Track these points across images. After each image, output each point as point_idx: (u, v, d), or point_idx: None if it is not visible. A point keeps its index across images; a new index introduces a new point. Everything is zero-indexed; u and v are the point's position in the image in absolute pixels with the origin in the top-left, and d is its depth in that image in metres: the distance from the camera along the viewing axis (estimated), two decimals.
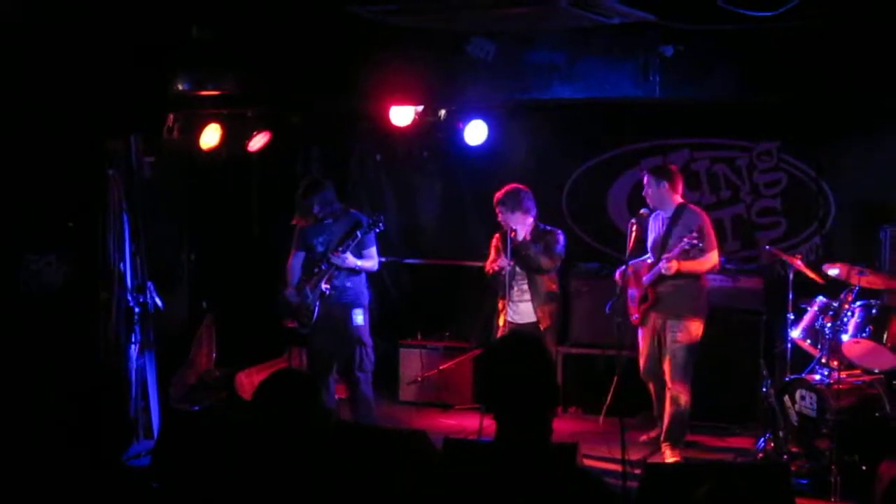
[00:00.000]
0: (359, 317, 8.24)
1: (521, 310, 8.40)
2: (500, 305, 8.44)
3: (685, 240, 7.65)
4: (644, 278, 8.02)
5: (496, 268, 8.33)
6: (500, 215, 8.31)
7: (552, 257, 8.33)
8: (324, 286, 8.15)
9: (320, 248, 8.23)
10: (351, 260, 8.12)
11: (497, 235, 8.51)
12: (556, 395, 3.44)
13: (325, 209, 8.22)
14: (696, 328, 7.92)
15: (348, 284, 8.22)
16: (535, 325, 8.36)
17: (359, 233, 8.09)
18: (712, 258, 7.90)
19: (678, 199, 8.03)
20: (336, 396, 8.58)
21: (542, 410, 3.35)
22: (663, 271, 7.80)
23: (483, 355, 3.58)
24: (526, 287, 8.38)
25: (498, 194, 8.32)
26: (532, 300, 8.38)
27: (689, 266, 7.84)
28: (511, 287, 8.27)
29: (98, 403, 3.84)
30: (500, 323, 8.46)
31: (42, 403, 3.93)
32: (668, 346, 7.93)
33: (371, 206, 8.55)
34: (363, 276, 8.34)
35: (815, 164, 9.33)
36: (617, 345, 7.83)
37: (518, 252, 8.24)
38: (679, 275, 7.81)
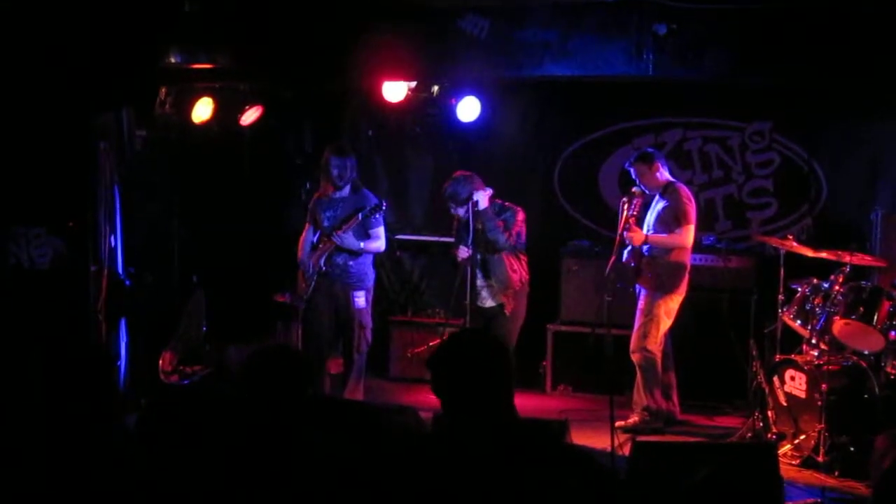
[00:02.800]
0: (360, 298, 8.22)
1: (481, 295, 8.26)
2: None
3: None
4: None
5: (463, 257, 8.14)
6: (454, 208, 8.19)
7: (510, 234, 8.08)
8: (321, 262, 8.15)
9: (326, 223, 8.22)
10: (351, 241, 8.10)
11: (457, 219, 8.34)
12: (508, 392, 3.41)
13: (343, 176, 8.17)
14: (672, 304, 8.05)
15: (351, 264, 8.20)
16: (497, 308, 8.23)
17: (360, 215, 8.08)
18: (684, 233, 7.97)
19: (663, 178, 8.12)
20: (328, 372, 8.59)
21: (495, 408, 3.34)
22: (626, 241, 7.90)
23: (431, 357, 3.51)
24: (480, 273, 8.21)
25: (450, 187, 8.15)
26: (489, 285, 8.22)
27: (659, 240, 8.00)
28: (469, 274, 8.17)
29: (87, 377, 3.84)
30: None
31: (32, 377, 3.93)
32: (644, 315, 8.06)
33: (362, 182, 8.49)
34: (368, 256, 8.29)
35: (807, 146, 9.33)
36: (607, 323, 7.84)
37: (478, 222, 8.01)
38: (655, 249, 8.02)
